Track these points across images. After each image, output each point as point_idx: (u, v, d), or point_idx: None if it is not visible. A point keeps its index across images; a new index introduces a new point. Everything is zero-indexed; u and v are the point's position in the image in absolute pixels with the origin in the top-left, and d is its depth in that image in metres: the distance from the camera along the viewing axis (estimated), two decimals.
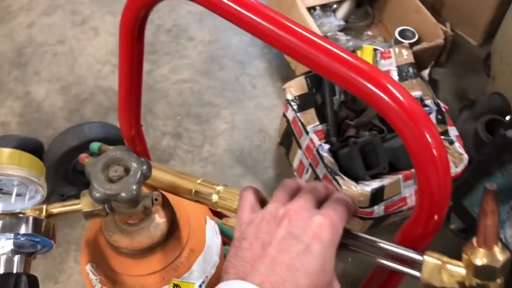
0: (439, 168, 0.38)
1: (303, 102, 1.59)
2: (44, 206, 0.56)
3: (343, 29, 2.01)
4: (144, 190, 0.59)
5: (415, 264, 0.43)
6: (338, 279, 1.59)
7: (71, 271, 1.56)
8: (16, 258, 0.52)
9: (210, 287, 0.69)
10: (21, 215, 0.52)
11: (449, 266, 0.39)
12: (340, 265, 1.58)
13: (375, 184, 1.42)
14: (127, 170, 0.52)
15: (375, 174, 1.47)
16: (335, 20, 1.97)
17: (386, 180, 1.43)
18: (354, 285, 1.48)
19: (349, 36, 1.98)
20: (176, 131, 1.87)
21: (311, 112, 1.60)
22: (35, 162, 0.49)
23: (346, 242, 0.48)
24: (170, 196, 0.64)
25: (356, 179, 1.46)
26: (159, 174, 0.60)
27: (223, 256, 0.73)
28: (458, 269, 0.39)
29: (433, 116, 1.61)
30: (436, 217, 0.40)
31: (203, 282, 0.67)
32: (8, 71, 2.01)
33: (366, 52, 1.68)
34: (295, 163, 1.70)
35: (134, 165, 0.52)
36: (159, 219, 0.61)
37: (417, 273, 0.42)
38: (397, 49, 1.68)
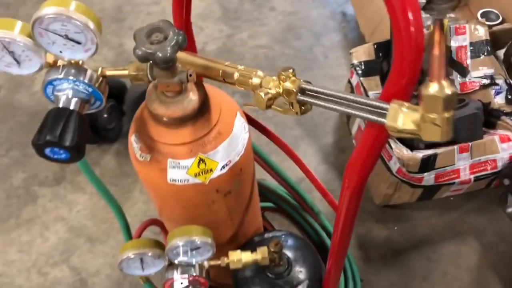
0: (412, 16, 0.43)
1: (368, 68, 1.63)
2: (101, 68, 0.68)
3: (424, 8, 1.99)
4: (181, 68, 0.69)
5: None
6: (383, 246, 1.71)
7: (136, 200, 1.73)
8: (74, 100, 0.64)
9: (232, 173, 0.78)
10: (82, 67, 0.65)
11: (406, 108, 0.45)
12: (385, 232, 1.60)
13: (428, 152, 1.42)
14: (166, 38, 0.62)
15: (430, 143, 1.47)
16: None
17: (440, 150, 1.43)
18: (397, 253, 1.51)
19: (429, 15, 1.96)
20: (245, 91, 1.97)
21: (375, 79, 1.63)
22: (96, 18, 0.61)
23: (312, 100, 0.54)
24: (207, 88, 0.74)
25: (411, 148, 1.47)
26: (193, 58, 0.70)
27: (250, 150, 0.82)
28: (415, 108, 0.44)
29: (502, 96, 1.57)
30: (408, 69, 0.45)
31: (226, 165, 0.76)
32: (108, 25, 2.25)
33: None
34: (354, 130, 1.73)
35: (172, 34, 0.62)
36: (193, 96, 0.71)
37: (382, 119, 0.47)
38: (472, 26, 1.65)
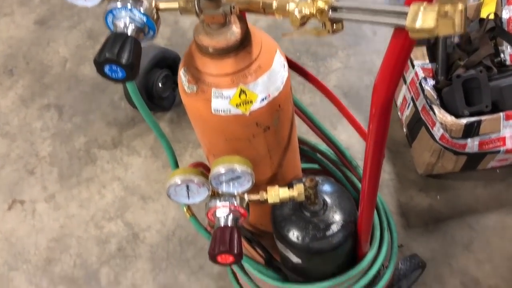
0: None
1: None
2: (154, 1, 0.76)
3: None
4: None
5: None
6: (425, 214, 1.76)
7: (186, 163, 1.83)
8: (130, 26, 0.72)
9: (271, 108, 0.84)
10: None
11: (424, 7, 0.49)
12: (427, 201, 1.61)
13: (472, 118, 1.42)
14: None
15: (476, 111, 1.47)
16: None
17: (485, 117, 1.42)
18: (439, 221, 1.52)
19: None
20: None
21: (422, 49, 1.64)
22: None
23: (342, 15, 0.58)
24: (249, 25, 0.81)
25: (456, 115, 1.47)
26: None
27: (289, 88, 0.88)
28: (432, 7, 0.48)
29: None
30: None
31: (265, 98, 0.82)
32: None
33: None
34: (399, 101, 1.75)
35: None
36: (235, 28, 0.77)
37: (402, 22, 0.52)
38: None
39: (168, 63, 1.91)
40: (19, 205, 1.80)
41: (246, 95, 0.80)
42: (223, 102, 0.81)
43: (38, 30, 2.40)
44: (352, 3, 0.59)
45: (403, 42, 0.56)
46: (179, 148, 1.86)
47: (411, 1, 0.53)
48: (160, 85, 1.87)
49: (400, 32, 0.55)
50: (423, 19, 0.50)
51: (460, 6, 0.46)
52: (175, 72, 1.93)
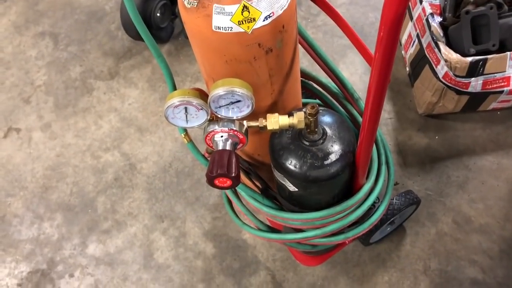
0: None
1: None
2: None
3: None
4: None
5: None
6: (422, 153, 1.74)
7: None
8: None
9: (274, 28, 0.80)
10: None
11: None
12: (425, 141, 1.60)
13: (478, 56, 1.39)
14: None
15: (482, 50, 1.43)
16: None
17: (491, 55, 1.39)
18: (435, 161, 1.51)
19: None
20: None
21: None
22: None
23: None
24: None
25: (462, 54, 1.44)
26: None
27: (294, 9, 0.84)
28: None
29: None
30: None
31: (269, 16, 0.78)
32: None
33: None
34: (404, 38, 1.70)
35: None
36: None
37: None
38: None
39: None
40: (15, 133, 1.79)
41: (249, 11, 0.77)
42: (224, 18, 0.77)
43: None
44: None
45: None
46: (177, 81, 1.82)
47: None
48: (158, 14, 1.81)
49: None
50: None
51: None
52: (174, 2, 1.86)
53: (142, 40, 1.86)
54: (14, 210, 1.62)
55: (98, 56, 1.93)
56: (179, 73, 1.84)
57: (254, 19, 0.78)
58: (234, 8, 0.76)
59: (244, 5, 0.76)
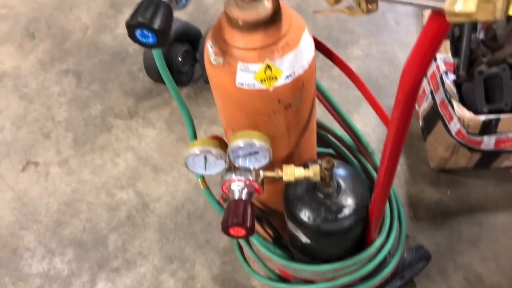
0: None
1: None
2: None
3: None
4: None
5: None
6: (433, 207, 1.76)
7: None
8: None
9: (294, 85, 0.84)
10: None
11: None
12: (437, 195, 1.61)
13: (491, 115, 1.41)
14: None
15: (495, 109, 1.45)
16: None
17: (504, 115, 1.41)
18: (447, 216, 1.52)
19: None
20: None
21: (445, 43, 1.62)
22: None
23: None
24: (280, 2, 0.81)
25: (475, 112, 1.46)
26: None
27: (314, 68, 0.88)
28: None
29: None
30: None
31: (290, 75, 0.82)
32: None
33: None
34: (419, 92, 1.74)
35: None
36: (267, 3, 0.77)
37: (441, 4, 0.52)
38: None
39: (189, 38, 1.91)
40: (33, 167, 1.83)
41: (271, 70, 0.81)
42: (248, 76, 0.81)
43: None
44: None
45: (439, 26, 0.56)
46: (195, 124, 1.86)
47: None
48: (180, 59, 1.87)
49: (437, 14, 0.55)
50: (464, 3, 0.50)
51: None
52: (195, 48, 1.93)
53: (162, 82, 1.93)
54: (26, 243, 1.64)
55: (119, 96, 1.99)
56: (197, 116, 1.89)
57: (276, 78, 0.82)
58: (257, 67, 0.80)
59: (267, 64, 0.80)
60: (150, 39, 0.71)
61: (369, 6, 0.63)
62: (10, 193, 1.77)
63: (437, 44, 0.59)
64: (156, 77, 1.91)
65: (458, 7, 0.50)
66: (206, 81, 1.97)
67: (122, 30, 2.21)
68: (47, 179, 1.79)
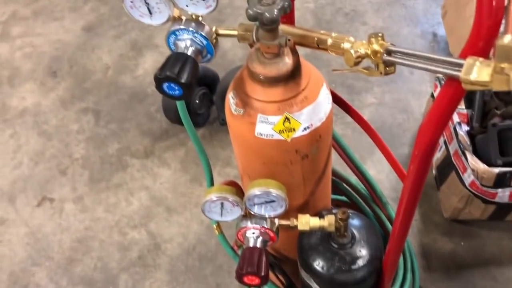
0: None
1: None
2: (215, 26, 0.80)
3: None
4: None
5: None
6: (447, 258, 1.76)
7: (214, 180, 1.85)
8: (191, 48, 0.77)
9: (312, 137, 0.87)
10: (201, 22, 0.77)
11: (480, 62, 0.51)
12: (451, 246, 1.60)
13: (505, 168, 1.42)
14: (274, 2, 0.73)
15: (509, 162, 1.46)
16: None
17: None
18: (461, 268, 1.50)
19: None
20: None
21: None
22: None
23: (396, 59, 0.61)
24: (300, 58, 0.84)
25: (489, 164, 1.47)
26: (292, 28, 0.80)
27: (331, 121, 0.90)
28: (488, 63, 0.50)
29: None
30: (486, 34, 0.52)
31: (307, 127, 0.85)
32: (208, 24, 2.44)
33: None
34: None
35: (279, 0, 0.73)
36: (287, 60, 0.81)
37: (457, 73, 0.54)
38: None
39: (207, 82, 1.96)
40: (48, 203, 1.85)
41: (290, 122, 0.83)
42: (267, 127, 0.84)
43: (85, 36, 2.49)
44: (407, 49, 0.62)
45: (455, 91, 0.59)
46: None
47: (466, 54, 0.55)
48: (197, 101, 1.92)
49: (453, 81, 0.57)
50: (478, 73, 0.52)
51: None
52: (212, 91, 1.98)
53: (178, 123, 1.97)
54: (37, 280, 1.65)
55: (136, 135, 2.03)
56: (211, 157, 1.90)
57: (294, 129, 0.84)
58: (276, 118, 0.83)
59: (286, 116, 0.83)
60: (177, 92, 0.75)
61: (387, 69, 0.65)
62: (24, 228, 1.79)
63: (453, 108, 0.61)
64: (173, 118, 1.95)
65: (473, 77, 0.52)
66: (222, 123, 2.01)
67: (142, 71, 2.27)
68: (61, 215, 1.81)
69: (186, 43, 0.77)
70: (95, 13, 2.60)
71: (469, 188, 1.47)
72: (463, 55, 0.56)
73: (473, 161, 1.44)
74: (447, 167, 1.59)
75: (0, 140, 2.08)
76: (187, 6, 0.74)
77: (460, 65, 0.55)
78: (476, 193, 1.47)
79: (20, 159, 2.01)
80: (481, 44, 0.55)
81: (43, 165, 1.98)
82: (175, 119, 1.94)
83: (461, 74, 0.54)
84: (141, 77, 2.25)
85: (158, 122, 2.06)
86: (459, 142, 1.51)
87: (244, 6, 0.74)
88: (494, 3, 0.52)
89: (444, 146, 1.63)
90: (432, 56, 0.59)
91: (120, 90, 2.22)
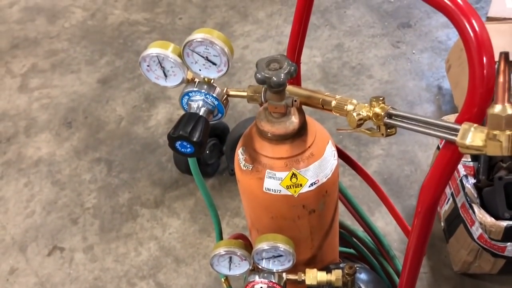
0: (485, 53, 0.54)
1: None
2: (226, 88, 0.85)
3: None
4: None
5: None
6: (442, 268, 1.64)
7: (222, 231, 1.86)
8: (202, 109, 0.81)
9: (318, 192, 0.89)
10: (213, 84, 0.82)
11: (474, 128, 0.54)
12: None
13: None
14: (281, 67, 0.78)
15: None
16: None
17: None
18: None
19: None
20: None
21: None
22: (231, 46, 0.78)
23: (397, 122, 0.65)
24: (307, 117, 0.88)
25: (496, 217, 1.47)
26: (299, 89, 0.85)
27: (337, 176, 0.93)
28: (482, 129, 0.54)
29: None
30: (479, 100, 0.55)
31: (314, 183, 0.88)
32: (220, 78, 2.53)
33: None
34: None
35: (286, 64, 0.78)
36: (294, 119, 0.85)
37: (454, 137, 0.57)
38: None
39: (216, 133, 2.01)
40: (58, 252, 1.87)
41: (297, 178, 0.86)
42: (274, 182, 0.87)
43: (100, 88, 2.58)
44: (407, 113, 0.66)
45: (452, 154, 0.62)
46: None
47: (462, 119, 0.59)
48: (207, 152, 1.96)
49: (450, 144, 0.60)
50: (473, 138, 0.55)
51: (508, 132, 0.52)
52: (222, 141, 2.03)
53: (189, 173, 2.01)
54: None
55: (146, 185, 2.06)
56: (220, 207, 1.93)
57: (301, 185, 0.87)
58: (284, 174, 0.86)
59: (293, 173, 0.86)
60: (188, 149, 0.78)
61: (388, 131, 0.69)
62: (33, 278, 1.80)
63: (452, 168, 0.64)
64: (183, 168, 1.99)
65: (469, 141, 0.56)
66: (231, 173, 2.04)
67: (155, 122, 2.34)
68: (71, 265, 1.82)
69: (199, 104, 0.82)
70: (110, 66, 2.70)
71: (477, 241, 1.47)
72: (459, 120, 0.59)
73: (481, 214, 1.44)
74: (455, 219, 1.60)
75: (15, 189, 2.12)
76: (200, 70, 0.79)
77: (457, 130, 0.58)
78: (485, 246, 1.46)
79: (33, 208, 2.04)
80: (475, 110, 0.58)
81: (55, 214, 2.01)
82: (186, 169, 1.98)
83: (457, 139, 0.57)
84: (154, 128, 2.32)
85: (168, 172, 2.10)
86: (466, 195, 1.52)
87: (254, 60, 0.79)
88: (485, 72, 0.56)
89: (451, 199, 1.64)
90: (430, 120, 0.63)
91: (133, 140, 2.28)
